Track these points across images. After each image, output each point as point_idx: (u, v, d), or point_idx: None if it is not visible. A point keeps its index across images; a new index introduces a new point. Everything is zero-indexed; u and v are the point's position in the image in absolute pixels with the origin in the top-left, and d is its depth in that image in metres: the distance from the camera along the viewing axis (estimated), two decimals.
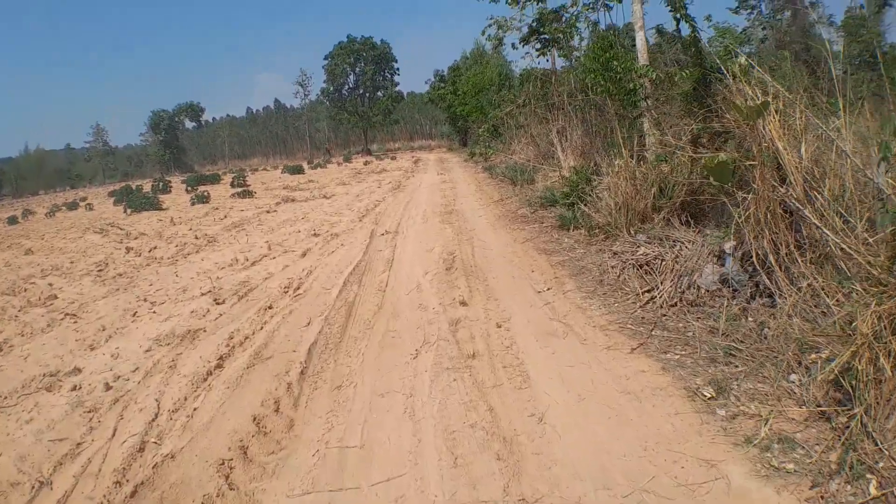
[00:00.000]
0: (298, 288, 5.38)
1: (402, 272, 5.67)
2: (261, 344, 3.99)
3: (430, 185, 15.40)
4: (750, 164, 3.62)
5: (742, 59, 3.84)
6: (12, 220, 17.67)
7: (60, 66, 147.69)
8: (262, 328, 4.34)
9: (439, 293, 4.83)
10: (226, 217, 12.05)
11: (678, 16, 7.16)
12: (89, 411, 3.26)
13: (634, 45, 7.76)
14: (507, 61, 26.94)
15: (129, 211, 15.05)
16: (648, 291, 4.31)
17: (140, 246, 9.06)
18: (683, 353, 3.24)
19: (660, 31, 8.93)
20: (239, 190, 17.17)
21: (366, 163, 33.55)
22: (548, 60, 14.87)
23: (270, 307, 4.85)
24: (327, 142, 64.16)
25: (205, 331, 4.45)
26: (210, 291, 5.56)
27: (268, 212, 12.39)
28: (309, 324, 4.33)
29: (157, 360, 3.95)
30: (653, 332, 3.60)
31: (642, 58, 7.33)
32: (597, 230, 6.12)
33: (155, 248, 8.71)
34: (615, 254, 5.21)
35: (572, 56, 12.13)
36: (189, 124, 58.09)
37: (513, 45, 15.20)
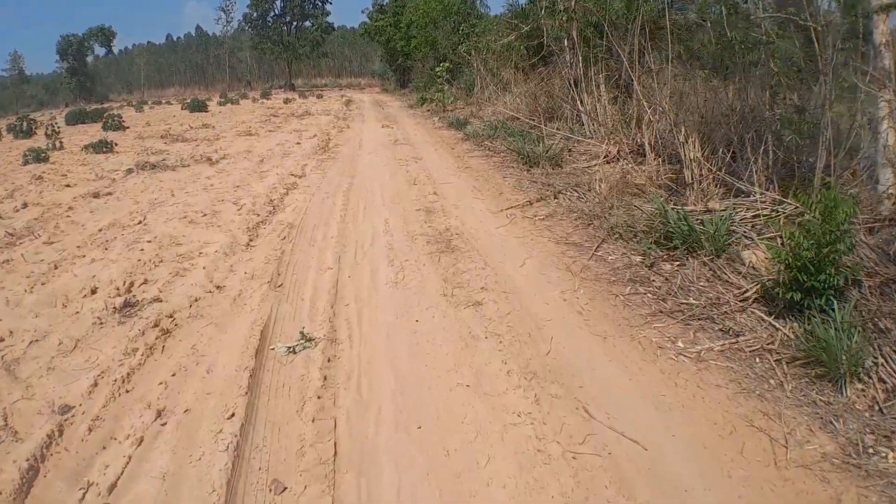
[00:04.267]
0: None
1: None
2: None
3: (376, 145, 10.06)
4: None
5: None
6: None
7: None
8: None
9: None
10: (25, 207, 6.37)
11: None
12: None
13: None
14: None
15: None
16: None
17: None
18: None
19: None
20: (97, 141, 11.17)
21: (286, 101, 27.29)
22: None
23: None
24: (248, 74, 57.61)
25: None
26: None
27: (96, 196, 6.77)
28: None
29: None
30: None
31: None
32: None
33: None
34: None
35: None
36: (100, 50, 53.54)
37: None
